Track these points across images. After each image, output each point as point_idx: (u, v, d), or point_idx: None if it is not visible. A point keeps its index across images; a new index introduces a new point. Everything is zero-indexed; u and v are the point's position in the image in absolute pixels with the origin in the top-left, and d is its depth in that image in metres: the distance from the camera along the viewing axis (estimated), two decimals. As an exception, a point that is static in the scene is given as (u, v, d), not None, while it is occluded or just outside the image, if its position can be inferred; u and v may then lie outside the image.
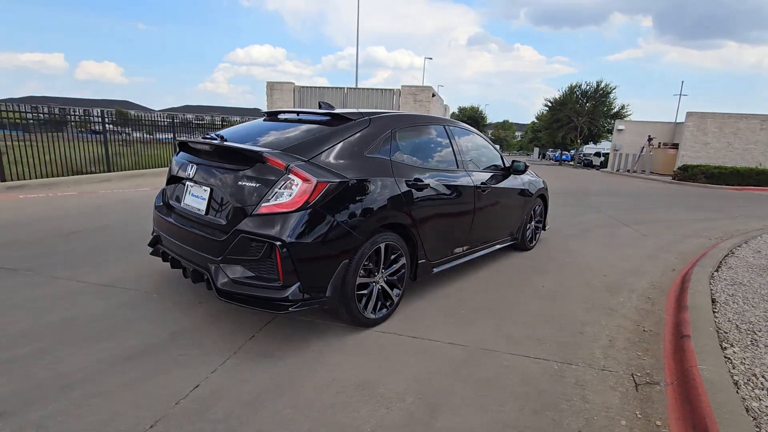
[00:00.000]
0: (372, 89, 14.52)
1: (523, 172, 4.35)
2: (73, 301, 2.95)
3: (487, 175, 3.89)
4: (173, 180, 2.95)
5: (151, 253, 3.03)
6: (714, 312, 3.15)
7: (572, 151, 41.85)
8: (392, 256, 2.84)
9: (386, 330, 2.78)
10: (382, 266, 2.77)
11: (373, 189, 2.62)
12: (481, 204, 3.74)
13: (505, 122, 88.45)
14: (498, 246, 4.36)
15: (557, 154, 47.76)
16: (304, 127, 2.79)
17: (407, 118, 3.21)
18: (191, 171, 2.70)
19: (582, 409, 2.06)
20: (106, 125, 10.40)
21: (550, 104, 40.64)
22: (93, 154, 9.72)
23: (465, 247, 3.69)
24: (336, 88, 14.67)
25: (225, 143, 2.58)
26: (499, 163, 4.28)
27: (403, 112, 3.41)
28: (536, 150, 64.52)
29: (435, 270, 3.33)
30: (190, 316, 2.81)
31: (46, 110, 9.72)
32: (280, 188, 2.30)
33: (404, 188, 2.83)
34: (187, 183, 2.78)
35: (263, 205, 2.30)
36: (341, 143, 2.61)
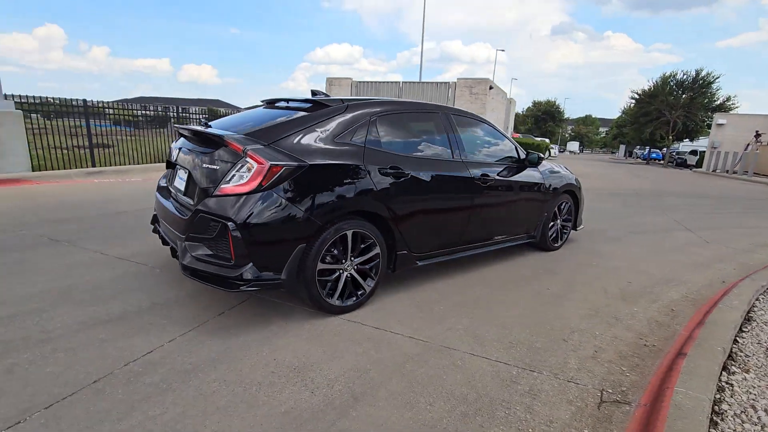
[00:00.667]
0: (427, 83, 14.31)
1: (537, 164, 4.03)
2: (87, 269, 3.33)
3: (492, 167, 3.66)
4: (169, 165, 3.19)
5: (153, 231, 3.31)
6: (743, 331, 2.68)
7: (664, 149, 37.59)
8: (363, 245, 2.80)
9: (352, 318, 2.75)
10: (350, 254, 2.74)
11: (338, 175, 2.59)
12: (482, 197, 3.53)
13: (588, 117, 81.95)
14: (509, 243, 4.09)
15: (645, 151, 43.24)
16: (284, 113, 2.85)
17: (393, 104, 3.12)
18: (178, 155, 2.90)
19: (520, 419, 1.87)
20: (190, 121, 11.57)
21: (637, 96, 36.84)
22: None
23: (462, 242, 3.52)
24: (391, 82, 14.69)
25: (195, 128, 2.73)
26: (514, 155, 3.99)
27: (393, 99, 3.31)
28: (622, 147, 58.93)
29: (420, 263, 3.22)
30: (177, 290, 3.02)
31: (151, 109, 11.11)
32: (237, 170, 2.38)
33: (377, 176, 2.77)
34: (177, 166, 2.99)
35: (222, 186, 2.39)
36: (309, 129, 2.63)
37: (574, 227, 4.88)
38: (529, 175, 4.05)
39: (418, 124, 3.29)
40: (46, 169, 7.86)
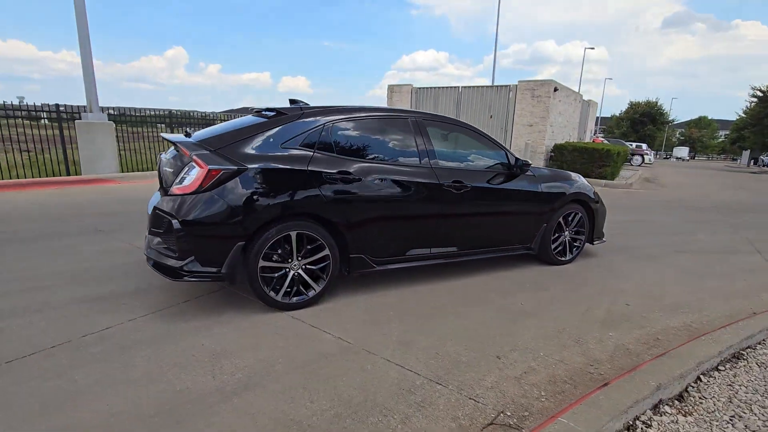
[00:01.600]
0: (486, 87, 13.85)
1: (520, 171, 3.80)
2: (109, 256, 3.92)
3: (470, 174, 3.54)
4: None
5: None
6: (718, 370, 2.28)
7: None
8: (310, 246, 2.93)
9: (296, 315, 2.89)
10: (296, 254, 2.89)
11: (278, 179, 2.76)
12: (456, 205, 3.44)
13: (702, 119, 71.50)
14: (500, 254, 3.90)
15: (772, 158, 36.63)
16: (247, 121, 3.10)
17: (354, 111, 3.21)
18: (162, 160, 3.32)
19: (390, 427, 1.85)
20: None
21: (761, 94, 31.56)
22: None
23: (431, 249, 3.46)
24: (450, 87, 14.48)
25: (165, 135, 3.09)
26: (504, 162, 3.81)
27: (358, 105, 3.36)
28: (745, 154, 50.31)
29: (380, 268, 3.25)
30: (184, 287, 3.38)
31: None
32: (185, 173, 2.68)
33: (323, 181, 2.88)
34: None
35: (173, 187, 2.71)
36: (257, 135, 2.84)
37: (590, 241, 4.46)
38: (521, 183, 3.82)
39: (382, 130, 3.32)
40: (132, 171, 9.24)
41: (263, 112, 3.28)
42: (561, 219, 4.15)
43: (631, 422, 1.82)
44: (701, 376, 2.20)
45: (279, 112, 3.04)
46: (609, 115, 58.99)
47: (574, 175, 4.46)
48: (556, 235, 4.18)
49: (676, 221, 7.15)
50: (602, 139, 24.94)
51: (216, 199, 2.62)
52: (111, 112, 8.99)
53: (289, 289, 2.91)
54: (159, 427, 1.79)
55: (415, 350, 2.51)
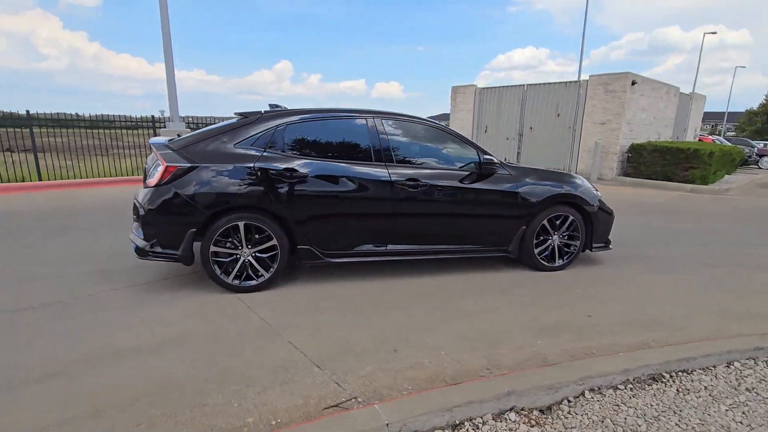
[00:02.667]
0: (554, 83, 12.87)
1: (490, 172, 3.65)
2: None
3: (427, 172, 3.54)
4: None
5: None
6: (616, 388, 2.06)
7: None
8: (258, 236, 3.23)
9: (243, 298, 3.21)
10: (246, 243, 3.22)
11: (227, 175, 3.11)
12: (413, 203, 3.48)
13: None
14: (471, 255, 3.81)
15: None
16: (220, 123, 3.53)
17: (310, 113, 3.43)
18: None
19: (243, 396, 2.05)
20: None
21: None
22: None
23: (387, 246, 3.54)
24: (515, 86, 13.75)
25: (152, 139, 3.64)
26: (475, 160, 3.71)
27: (316, 108, 3.54)
28: None
29: (332, 260, 3.44)
30: (172, 266, 3.96)
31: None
32: (153, 169, 3.17)
33: (268, 177, 3.17)
34: None
35: (147, 181, 3.22)
36: (216, 137, 3.23)
37: (588, 247, 4.08)
38: (492, 182, 3.69)
39: (337, 131, 3.49)
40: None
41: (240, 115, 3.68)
42: (546, 222, 3.89)
43: (458, 421, 1.77)
44: (587, 392, 2.00)
45: (243, 115, 3.41)
46: (743, 110, 50.11)
47: (574, 177, 4.13)
48: (542, 238, 3.93)
49: (747, 233, 6.03)
50: (715, 138, 21.45)
51: (172, 192, 3.06)
52: (189, 120, 10.44)
53: (239, 273, 3.26)
54: (75, 369, 2.23)
55: (322, 337, 2.66)
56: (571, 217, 3.95)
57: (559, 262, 4.02)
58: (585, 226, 4.02)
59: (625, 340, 2.71)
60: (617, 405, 1.95)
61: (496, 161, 3.69)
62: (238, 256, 3.24)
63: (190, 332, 2.68)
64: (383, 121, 3.57)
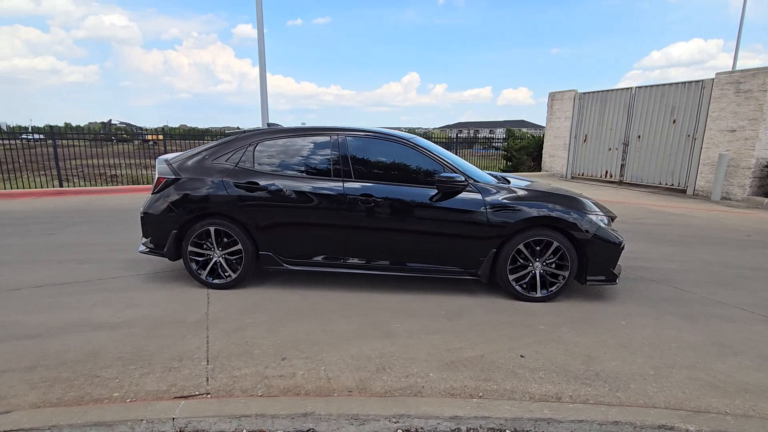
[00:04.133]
0: (668, 84, 10.77)
1: (451, 191, 3.44)
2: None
3: (385, 188, 3.53)
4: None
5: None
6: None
7: None
8: (226, 240, 3.66)
9: (212, 293, 3.66)
10: (216, 246, 3.68)
11: (199, 186, 3.61)
12: (365, 217, 3.53)
13: None
14: (438, 275, 3.66)
15: None
16: (213, 141, 4.08)
17: (281, 132, 3.74)
18: None
19: (107, 377, 2.44)
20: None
21: None
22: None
23: (344, 259, 3.64)
24: (620, 90, 11.94)
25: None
26: (458, 176, 3.52)
27: (291, 126, 3.77)
28: None
29: (291, 267, 3.69)
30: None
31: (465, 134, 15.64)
32: (155, 180, 3.84)
33: (232, 188, 3.57)
34: None
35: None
36: (200, 153, 3.77)
37: (585, 279, 3.54)
38: (455, 200, 3.49)
39: (303, 147, 3.71)
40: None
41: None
42: (524, 247, 3.50)
43: (246, 431, 1.85)
44: (399, 431, 1.85)
45: (225, 134, 3.90)
46: None
47: (579, 199, 3.63)
48: (519, 264, 3.55)
49: None
50: None
51: (161, 199, 3.69)
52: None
53: (212, 272, 3.73)
54: (50, 333, 2.91)
55: (236, 336, 2.92)
56: (555, 243, 3.48)
57: (541, 293, 3.57)
58: (577, 255, 3.50)
59: (538, 390, 2.35)
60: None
61: (458, 179, 3.46)
62: (211, 256, 3.72)
63: (149, 316, 3.21)
64: (347, 137, 3.69)
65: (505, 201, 3.50)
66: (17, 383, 2.33)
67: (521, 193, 3.59)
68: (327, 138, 3.71)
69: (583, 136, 13.32)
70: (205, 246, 3.70)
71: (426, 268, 3.65)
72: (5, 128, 10.64)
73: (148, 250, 3.82)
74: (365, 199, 3.51)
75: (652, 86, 11.27)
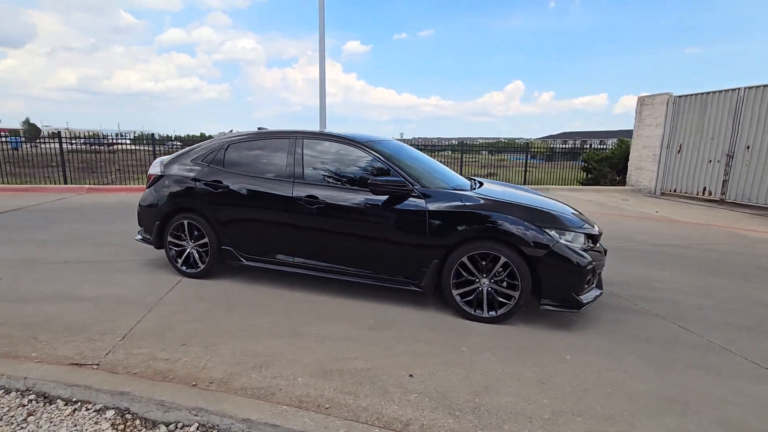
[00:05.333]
0: (787, 84, 8.64)
1: (392, 195, 3.27)
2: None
3: (328, 190, 3.52)
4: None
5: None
6: None
7: None
8: (197, 233, 3.99)
9: (185, 280, 4.01)
10: (189, 238, 4.03)
11: (177, 183, 3.99)
12: (309, 219, 3.57)
13: None
14: (379, 283, 3.52)
15: None
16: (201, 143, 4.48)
17: (251, 135, 3.97)
18: None
19: (33, 345, 2.83)
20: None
21: None
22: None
23: (294, 258, 3.71)
24: (725, 91, 9.88)
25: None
26: (391, 180, 3.41)
27: (264, 130, 3.92)
28: None
29: (247, 262, 3.87)
30: None
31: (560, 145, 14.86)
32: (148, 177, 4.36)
33: (200, 186, 3.89)
34: None
35: (151, 185, 4.44)
36: (184, 154, 4.17)
37: (540, 301, 3.10)
38: (400, 205, 3.33)
39: (265, 149, 3.87)
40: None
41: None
42: (468, 260, 3.19)
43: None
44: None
45: (210, 137, 4.26)
46: None
47: (538, 208, 3.23)
48: (465, 279, 3.24)
49: None
50: None
51: (150, 193, 4.17)
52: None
53: (186, 261, 4.09)
54: (40, 301, 3.50)
55: (168, 319, 3.17)
56: (503, 259, 3.10)
57: (490, 314, 3.20)
58: (531, 274, 3.07)
59: (394, 413, 2.14)
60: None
61: (396, 183, 3.29)
62: (185, 247, 4.08)
63: (118, 295, 3.65)
64: (304, 140, 3.77)
65: (448, 208, 3.24)
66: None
67: (472, 201, 3.28)
68: (286, 140, 3.84)
69: (677, 146, 11.45)
70: (181, 237, 4.08)
71: (368, 274, 3.53)
72: (156, 137, 13.65)
73: (141, 238, 4.34)
74: (310, 200, 3.55)
75: (765, 86, 9.26)
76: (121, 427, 1.90)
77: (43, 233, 5.79)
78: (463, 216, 3.20)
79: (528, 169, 14.04)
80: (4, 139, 12.56)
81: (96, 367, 2.49)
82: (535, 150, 15.97)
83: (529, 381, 2.47)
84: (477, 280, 3.22)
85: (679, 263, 5.05)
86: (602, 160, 13.84)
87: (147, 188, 4.27)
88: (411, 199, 3.33)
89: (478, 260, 3.18)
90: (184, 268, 4.10)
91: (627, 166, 13.19)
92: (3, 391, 2.12)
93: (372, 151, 3.60)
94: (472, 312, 3.25)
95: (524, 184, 13.56)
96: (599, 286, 3.37)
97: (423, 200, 3.31)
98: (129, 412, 1.96)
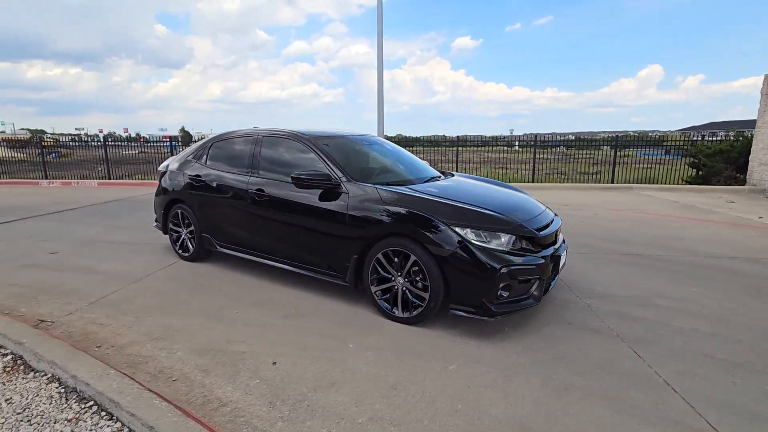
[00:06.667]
0: None
1: (321, 188, 3.34)
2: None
3: (273, 184, 3.71)
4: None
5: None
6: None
7: None
8: (186, 221, 4.54)
9: (180, 263, 4.60)
10: (184, 226, 4.61)
11: (173, 178, 4.59)
12: (260, 211, 3.82)
13: None
14: (314, 275, 3.59)
15: None
16: (208, 142, 5.03)
17: (229, 134, 4.35)
18: None
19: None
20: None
21: None
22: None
23: (260, 249, 3.97)
24: None
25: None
26: (324, 173, 3.45)
27: (240, 130, 4.24)
28: None
29: (219, 249, 4.29)
30: None
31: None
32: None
33: (186, 179, 4.42)
34: None
35: (167, 179, 5.15)
36: (186, 152, 4.76)
37: (449, 304, 2.87)
38: (329, 198, 3.36)
39: (236, 146, 4.21)
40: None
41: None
42: (382, 256, 3.09)
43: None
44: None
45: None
46: None
47: (461, 206, 3.00)
48: (382, 275, 3.14)
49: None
50: None
51: (158, 186, 4.87)
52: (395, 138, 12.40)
53: (182, 246, 4.68)
54: (57, 267, 4.40)
55: (134, 292, 3.71)
56: (412, 257, 2.93)
57: (405, 314, 3.06)
58: (441, 274, 2.86)
59: (202, 391, 2.25)
60: None
61: (316, 176, 3.32)
62: (181, 233, 4.68)
63: (119, 270, 4.35)
64: (263, 137, 4.02)
65: (365, 203, 3.17)
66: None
67: (393, 196, 3.15)
68: (252, 137, 4.13)
69: (815, 134, 8.96)
70: (178, 225, 4.68)
71: (306, 267, 3.63)
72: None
73: (155, 225, 5.09)
74: (259, 194, 3.79)
75: None
76: (9, 367, 2.38)
77: (121, 219, 7.09)
78: (377, 211, 3.11)
79: (620, 163, 12.18)
80: (166, 144, 15.24)
81: (51, 323, 3.09)
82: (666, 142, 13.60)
83: (382, 384, 2.33)
84: (393, 278, 3.10)
85: (724, 280, 4.06)
86: (714, 155, 11.48)
87: (158, 181, 5.00)
88: (341, 194, 3.34)
89: (392, 257, 3.06)
90: (180, 251, 4.71)
91: (748, 161, 10.76)
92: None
93: (311, 146, 3.69)
94: (390, 311, 3.13)
95: (612, 181, 11.97)
96: (533, 296, 2.94)
97: (347, 195, 3.30)
98: (21, 359, 2.43)
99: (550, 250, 3.08)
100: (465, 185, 3.85)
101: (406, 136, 15.89)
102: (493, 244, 2.81)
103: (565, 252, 3.39)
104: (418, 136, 14.52)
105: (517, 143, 18.43)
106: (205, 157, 4.50)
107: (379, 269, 3.14)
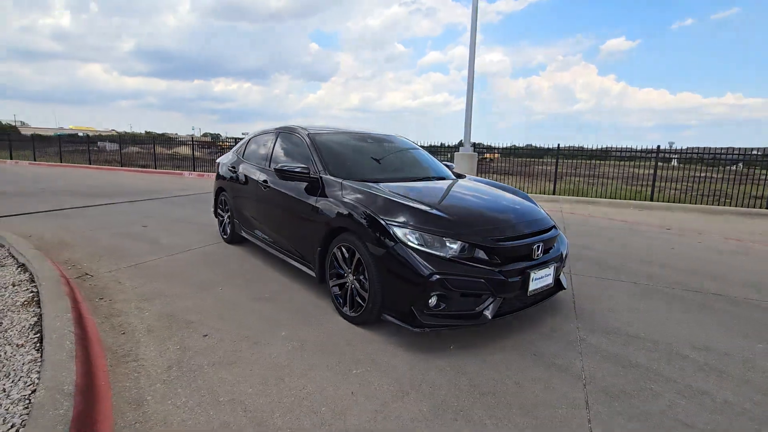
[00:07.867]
0: None
1: (287, 177, 3.49)
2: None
3: (274, 174, 3.93)
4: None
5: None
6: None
7: None
8: (226, 207, 5.12)
9: (219, 243, 5.22)
10: (224, 211, 5.20)
11: (223, 168, 5.20)
12: (264, 200, 4.11)
13: None
14: (298, 265, 3.71)
15: None
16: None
17: (260, 132, 4.76)
18: None
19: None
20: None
21: None
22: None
23: (264, 236, 4.29)
24: None
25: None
26: (303, 166, 3.52)
27: (267, 129, 4.60)
28: None
29: (243, 234, 4.72)
30: None
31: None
32: (222, 165, 5.76)
33: (227, 170, 4.98)
34: None
35: (227, 171, 5.86)
36: (237, 146, 5.36)
37: (386, 309, 2.70)
38: (311, 192, 3.44)
39: (263, 142, 4.56)
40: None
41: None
42: (337, 250, 3.04)
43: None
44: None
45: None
46: None
47: (410, 204, 2.81)
48: (337, 271, 3.09)
49: None
50: None
51: (216, 175, 5.58)
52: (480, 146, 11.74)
53: (223, 229, 5.29)
54: (138, 241, 5.38)
55: (157, 261, 4.34)
56: (358, 255, 2.83)
57: (351, 313, 2.96)
58: (377, 272, 2.70)
59: (137, 349, 2.52)
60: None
61: (294, 170, 3.41)
62: (223, 219, 5.28)
63: (173, 243, 5.12)
64: (281, 133, 4.30)
65: (331, 197, 3.16)
66: (98, 238, 4.76)
67: (354, 191, 3.07)
68: (270, 134, 4.47)
69: None
70: (223, 211, 5.31)
71: (290, 255, 3.78)
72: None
73: (213, 209, 5.84)
74: (264, 184, 4.07)
75: None
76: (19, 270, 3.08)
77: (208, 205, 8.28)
78: (335, 205, 3.08)
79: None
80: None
81: (90, 276, 3.82)
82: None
83: (273, 374, 2.31)
84: (345, 275, 3.03)
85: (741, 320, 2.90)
86: None
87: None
88: (320, 187, 3.39)
89: (345, 253, 3.00)
90: (222, 234, 5.32)
91: None
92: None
93: (305, 139, 3.82)
94: (341, 307, 3.07)
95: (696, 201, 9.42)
96: (479, 314, 2.54)
97: (322, 188, 3.34)
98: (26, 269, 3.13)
99: (518, 265, 2.64)
100: (457, 187, 3.54)
101: (535, 147, 14.91)
102: (434, 249, 2.54)
103: (552, 272, 2.86)
104: (549, 146, 13.52)
105: (675, 158, 13.67)
106: (243, 150, 5.01)
107: (336, 264, 3.11)
